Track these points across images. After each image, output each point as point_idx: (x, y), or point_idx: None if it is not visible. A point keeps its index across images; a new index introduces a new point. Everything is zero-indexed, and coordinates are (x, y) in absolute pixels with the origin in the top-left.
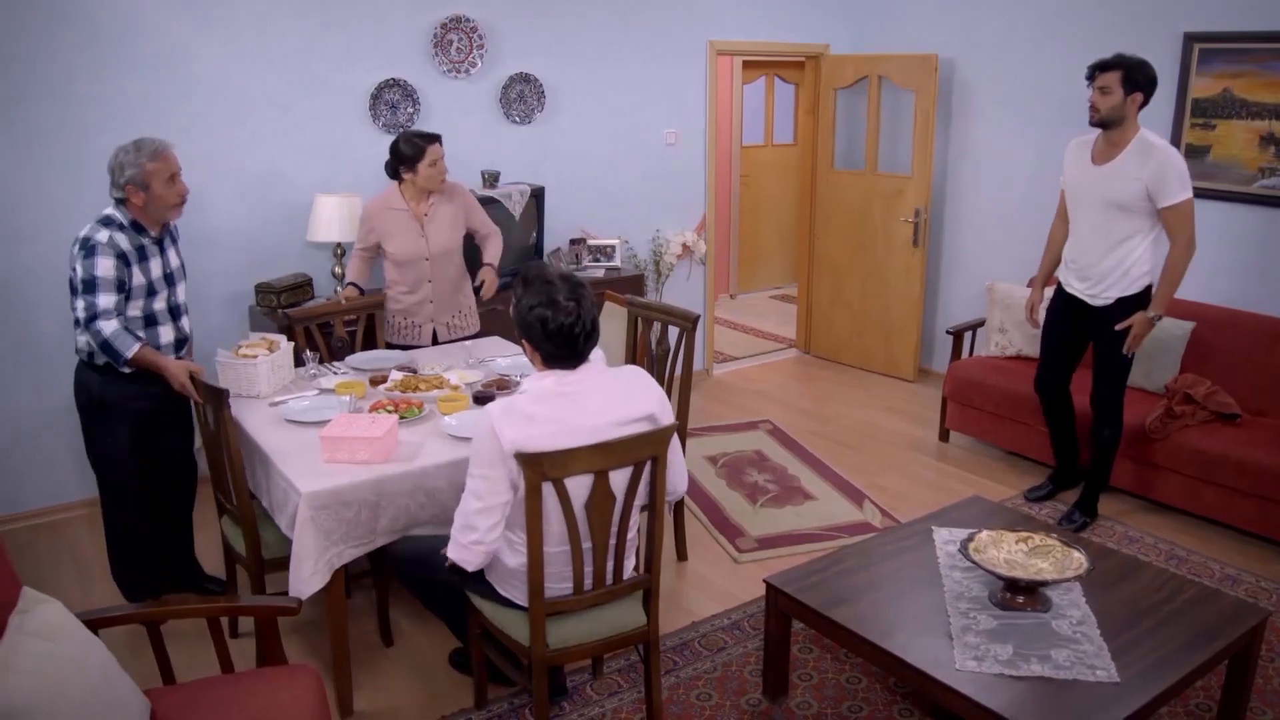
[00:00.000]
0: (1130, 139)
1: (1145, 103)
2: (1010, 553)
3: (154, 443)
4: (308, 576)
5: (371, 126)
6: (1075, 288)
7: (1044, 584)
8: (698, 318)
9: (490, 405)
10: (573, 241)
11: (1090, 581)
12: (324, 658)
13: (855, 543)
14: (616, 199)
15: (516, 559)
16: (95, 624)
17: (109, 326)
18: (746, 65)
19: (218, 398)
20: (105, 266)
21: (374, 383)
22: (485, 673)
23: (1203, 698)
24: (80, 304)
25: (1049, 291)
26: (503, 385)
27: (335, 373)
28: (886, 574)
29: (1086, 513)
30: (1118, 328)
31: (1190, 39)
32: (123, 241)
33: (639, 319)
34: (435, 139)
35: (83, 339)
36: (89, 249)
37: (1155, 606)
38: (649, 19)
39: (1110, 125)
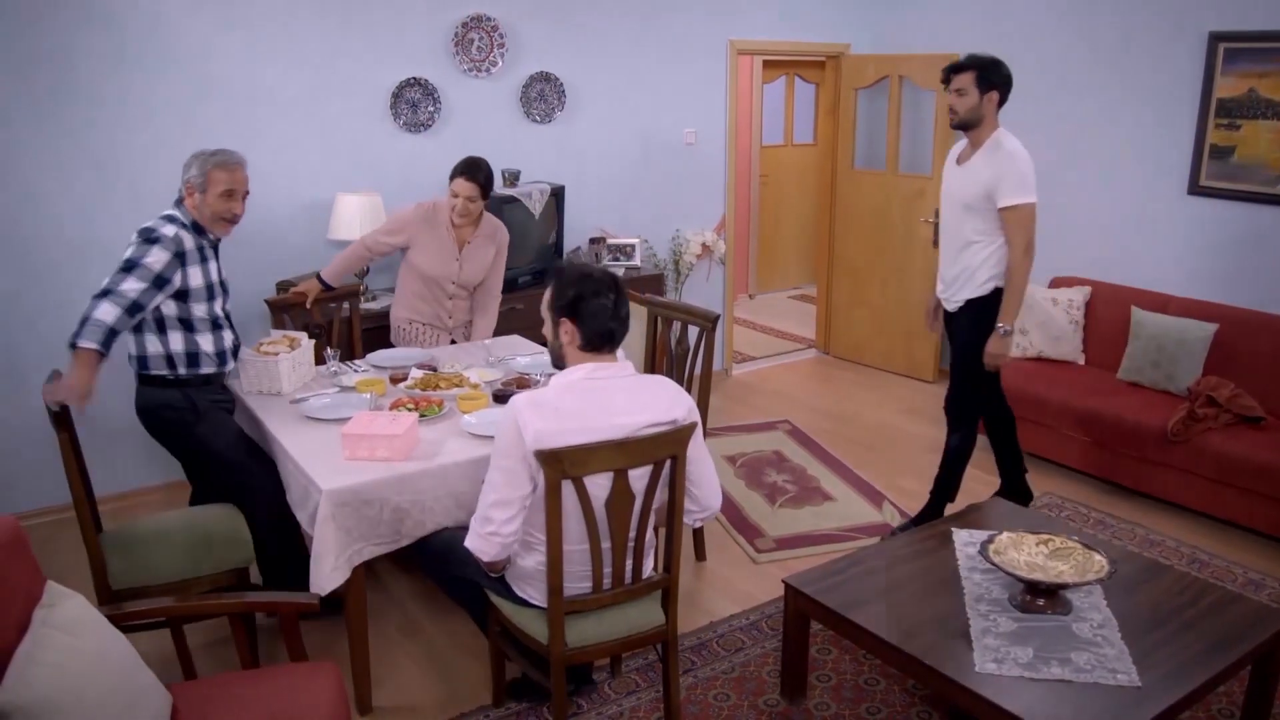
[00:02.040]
0: (986, 139)
1: (1003, 101)
2: (1031, 555)
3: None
4: (328, 573)
5: (392, 125)
6: (940, 293)
7: (1064, 587)
8: (718, 317)
9: (516, 396)
10: (592, 240)
11: (1111, 585)
12: (343, 654)
13: (874, 544)
14: (636, 198)
15: (533, 559)
16: (118, 619)
17: (107, 311)
18: (766, 65)
19: (58, 422)
20: (156, 257)
21: (394, 380)
22: (504, 668)
23: (1225, 703)
24: (108, 278)
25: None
26: (522, 384)
27: (355, 370)
28: (905, 575)
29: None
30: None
31: (1215, 38)
32: (187, 240)
33: (658, 318)
34: (463, 172)
35: (154, 347)
36: (150, 237)
37: (1177, 610)
38: (669, 18)
39: (970, 126)
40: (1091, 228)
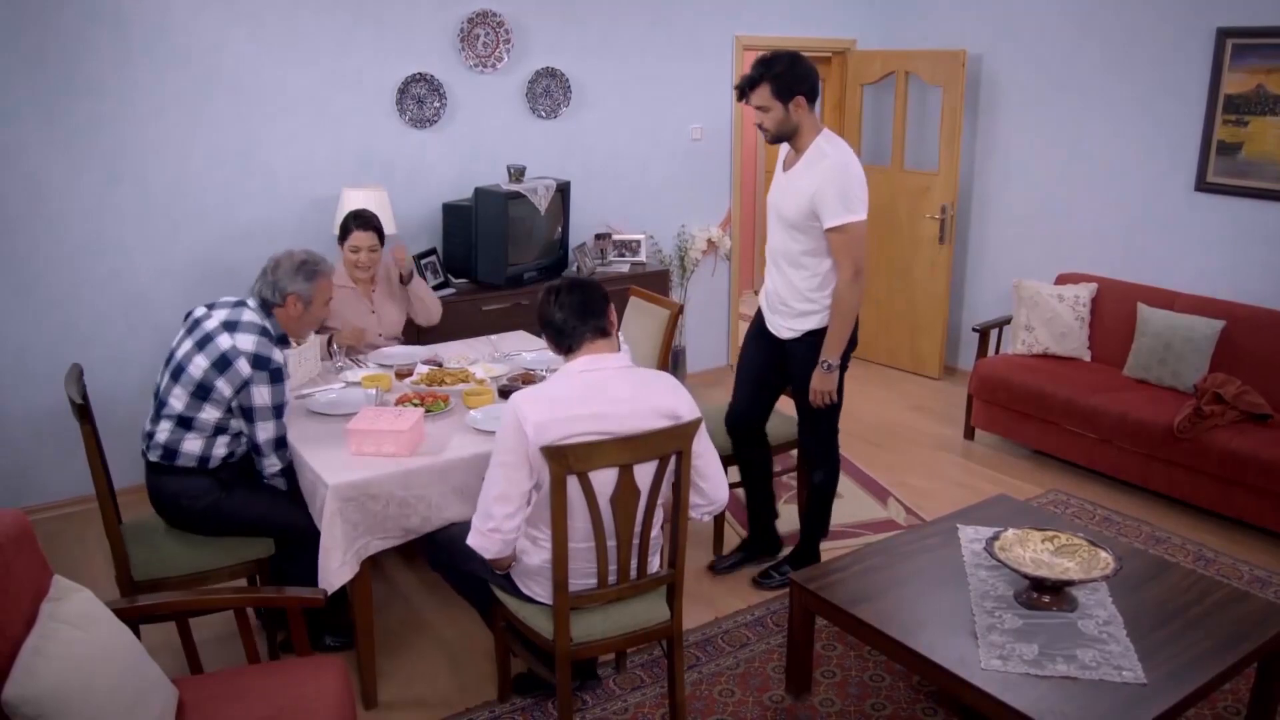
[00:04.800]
0: (809, 144)
1: (812, 101)
2: (1036, 552)
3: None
4: (336, 568)
5: (398, 121)
6: (768, 319)
7: (1070, 584)
8: (680, 308)
9: (515, 394)
10: (598, 236)
11: (1117, 582)
12: (348, 649)
13: (880, 540)
14: (642, 194)
15: (538, 555)
16: (125, 614)
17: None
18: None
19: (81, 415)
20: (288, 391)
21: (400, 376)
22: (509, 663)
23: (1231, 700)
24: (269, 427)
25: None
26: (528, 379)
27: (361, 366)
28: (911, 572)
29: (799, 565)
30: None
31: (1223, 34)
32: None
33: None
34: (359, 224)
35: (192, 446)
36: (275, 374)
37: (1183, 608)
38: (675, 14)
39: (788, 138)
40: (1098, 224)
